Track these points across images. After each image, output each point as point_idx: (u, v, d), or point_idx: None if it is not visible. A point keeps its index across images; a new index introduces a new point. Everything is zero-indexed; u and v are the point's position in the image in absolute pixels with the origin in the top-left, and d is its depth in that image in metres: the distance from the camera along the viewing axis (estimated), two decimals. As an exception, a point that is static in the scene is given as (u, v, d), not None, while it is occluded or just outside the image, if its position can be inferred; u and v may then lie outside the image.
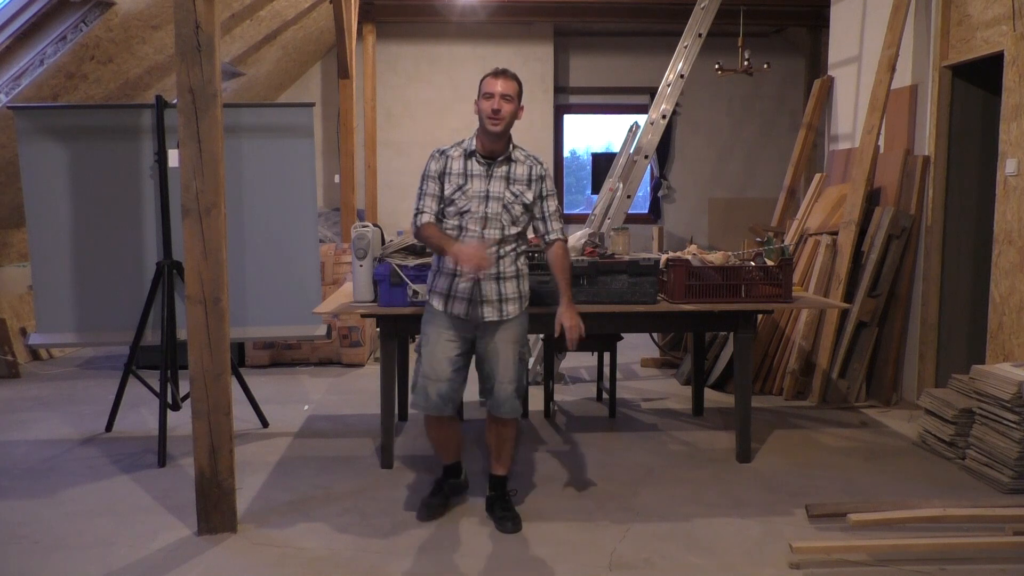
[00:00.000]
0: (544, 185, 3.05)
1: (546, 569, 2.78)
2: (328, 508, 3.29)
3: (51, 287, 4.11)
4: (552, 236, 3.08)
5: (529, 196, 3.00)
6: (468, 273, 2.88)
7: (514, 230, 2.98)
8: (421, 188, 3.04)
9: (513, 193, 2.97)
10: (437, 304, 3.03)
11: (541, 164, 3.07)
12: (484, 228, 2.94)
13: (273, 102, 8.23)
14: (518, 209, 2.98)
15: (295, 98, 8.41)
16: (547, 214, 3.07)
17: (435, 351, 3.01)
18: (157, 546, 2.95)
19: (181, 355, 3.29)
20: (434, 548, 2.93)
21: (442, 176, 2.99)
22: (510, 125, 2.96)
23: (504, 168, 2.99)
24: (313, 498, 3.40)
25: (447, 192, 2.97)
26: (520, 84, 3.00)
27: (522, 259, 3.08)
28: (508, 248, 2.99)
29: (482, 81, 2.98)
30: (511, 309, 3.01)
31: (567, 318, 3.00)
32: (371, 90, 8.18)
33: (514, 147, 3.04)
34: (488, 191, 2.96)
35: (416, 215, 3.02)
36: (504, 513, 3.11)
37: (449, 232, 2.97)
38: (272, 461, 3.86)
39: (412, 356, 3.29)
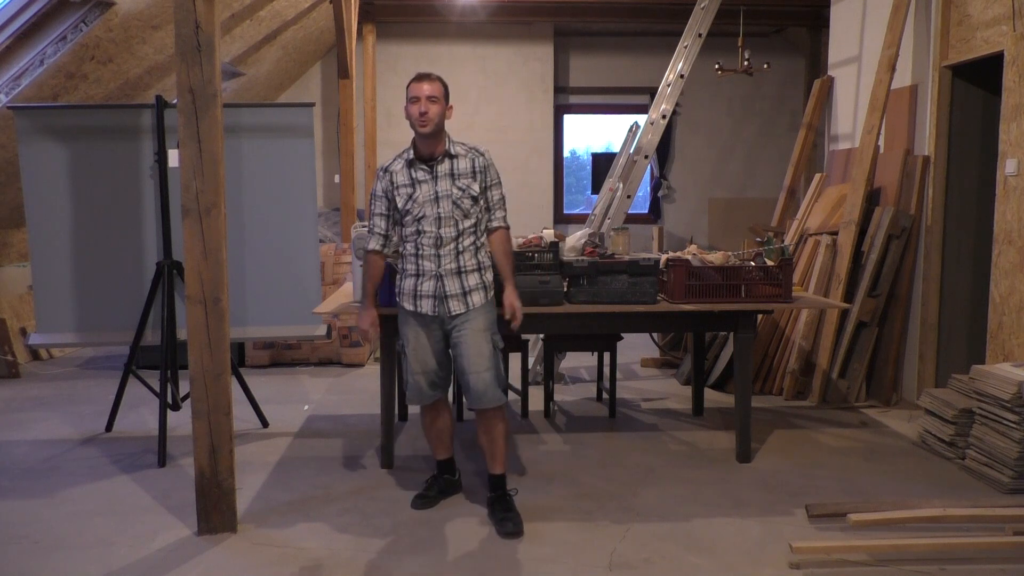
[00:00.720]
0: (488, 175, 3.11)
1: (546, 569, 2.78)
2: (328, 508, 3.29)
3: (51, 287, 4.11)
4: (494, 224, 3.16)
5: (476, 188, 3.07)
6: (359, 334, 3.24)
7: (468, 223, 3.06)
8: (370, 207, 3.19)
9: (460, 188, 3.05)
10: (407, 304, 3.12)
11: (483, 155, 3.13)
12: (440, 228, 3.03)
13: (273, 102, 8.23)
14: (467, 203, 3.05)
15: (295, 98, 8.42)
16: (491, 203, 3.15)
17: (417, 347, 3.14)
18: (157, 546, 2.95)
19: (181, 355, 3.29)
20: (434, 548, 2.93)
21: (389, 193, 3.11)
22: (440, 125, 3.03)
23: (446, 165, 3.07)
24: (313, 498, 3.40)
25: (400, 205, 3.08)
26: (445, 85, 3.09)
27: (483, 252, 3.13)
28: (467, 243, 3.06)
29: (408, 87, 3.06)
30: (476, 299, 3.08)
31: (515, 299, 3.16)
32: (371, 90, 8.18)
33: (452, 143, 3.10)
34: (437, 192, 3.04)
35: (368, 237, 3.20)
36: (505, 515, 3.10)
37: (408, 240, 3.08)
38: (272, 461, 3.86)
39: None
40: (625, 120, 7.33)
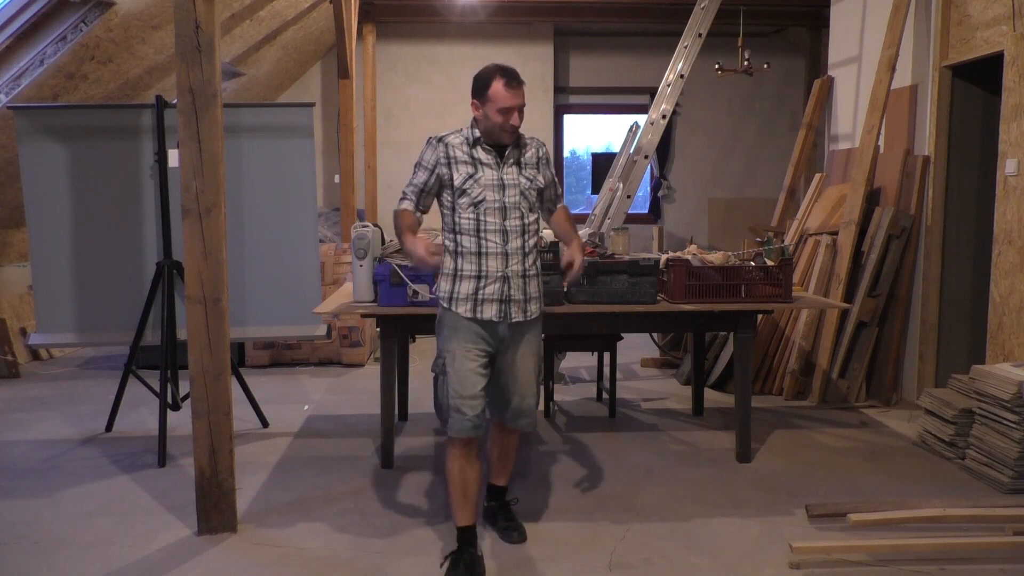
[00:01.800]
0: (550, 166, 2.93)
1: (546, 569, 2.78)
2: (328, 508, 3.29)
3: (51, 287, 4.11)
4: (559, 204, 3.00)
5: (541, 180, 2.83)
6: (422, 267, 2.79)
7: (531, 217, 2.78)
8: (413, 175, 2.83)
9: (527, 178, 2.77)
10: (464, 311, 2.71)
11: (543, 144, 2.91)
12: (504, 219, 2.71)
13: (273, 102, 8.23)
14: (534, 195, 2.79)
15: (295, 98, 8.42)
16: (556, 189, 2.98)
17: (464, 367, 2.70)
18: (157, 546, 2.95)
19: (181, 355, 3.29)
20: (434, 548, 2.93)
21: (439, 167, 2.75)
22: None
23: (515, 153, 2.78)
24: (313, 498, 3.40)
25: (457, 182, 2.71)
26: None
27: (536, 256, 2.87)
28: (531, 242, 2.79)
29: (489, 87, 2.68)
30: (534, 308, 2.81)
31: (577, 255, 2.83)
32: (371, 90, 8.18)
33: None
34: (503, 179, 2.73)
35: (400, 199, 2.83)
36: (508, 523, 3.04)
37: (465, 225, 2.71)
38: (272, 461, 3.86)
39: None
40: (625, 120, 7.33)
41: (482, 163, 2.74)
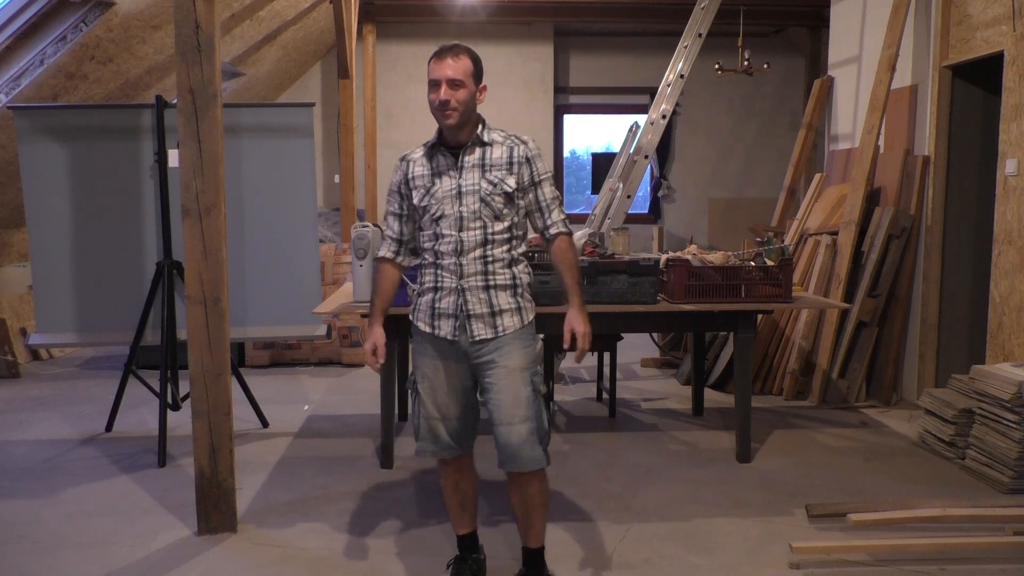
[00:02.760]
0: (533, 169, 2.49)
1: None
2: (328, 508, 3.29)
3: (51, 287, 4.11)
4: (553, 231, 2.52)
5: (511, 183, 2.44)
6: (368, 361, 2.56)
7: (499, 226, 2.43)
8: (388, 203, 2.62)
9: (490, 181, 2.43)
10: (423, 325, 2.50)
11: (526, 143, 2.50)
12: (461, 230, 2.41)
13: (273, 102, 8.23)
14: (499, 201, 2.42)
15: (295, 98, 8.42)
16: (543, 203, 2.52)
17: (434, 385, 2.50)
18: (157, 546, 2.95)
19: (181, 355, 3.29)
20: (434, 548, 2.93)
21: (404, 186, 2.54)
22: (469, 114, 2.45)
23: (476, 154, 2.46)
24: (313, 498, 3.40)
25: (416, 201, 2.49)
26: (475, 61, 2.47)
27: (520, 266, 2.50)
28: (497, 251, 2.44)
29: (428, 66, 2.44)
30: (507, 323, 2.44)
31: (577, 323, 2.49)
32: (371, 90, 8.18)
33: (488, 129, 2.51)
34: (460, 186, 2.43)
35: (382, 241, 2.66)
36: None
37: (426, 246, 2.50)
38: (272, 461, 3.86)
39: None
40: (625, 120, 7.33)
41: (439, 172, 2.48)
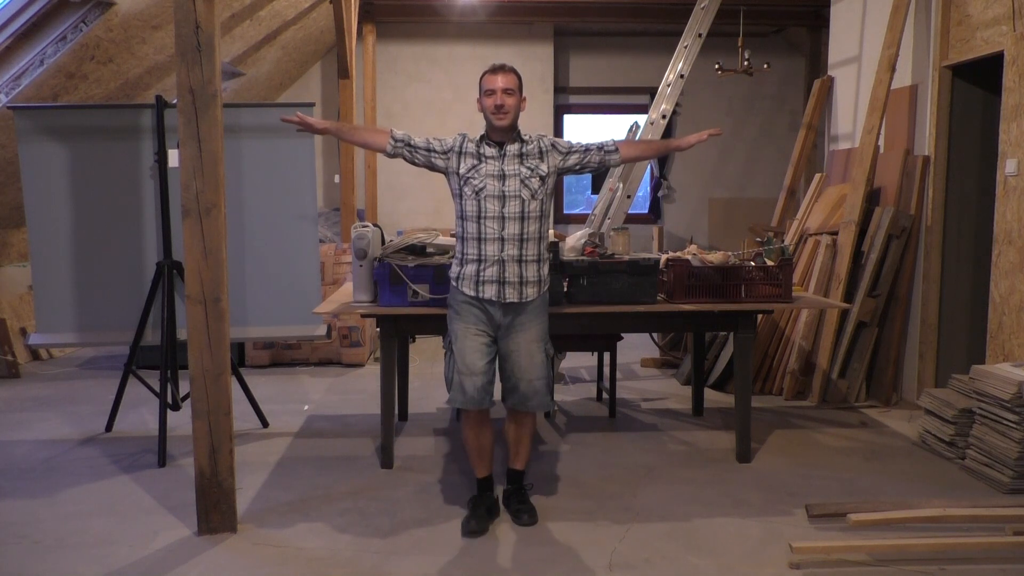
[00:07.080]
0: (559, 145, 3.12)
1: (546, 569, 2.78)
2: (328, 508, 3.29)
3: (51, 287, 4.11)
4: (609, 146, 3.16)
5: (544, 168, 3.05)
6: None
7: (534, 205, 3.01)
8: (425, 138, 3.16)
9: (528, 167, 3.03)
10: (467, 289, 3.03)
11: (544, 136, 3.15)
12: (503, 207, 2.98)
13: (273, 102, 8.23)
14: (535, 182, 3.02)
15: (295, 98, 8.42)
16: (588, 146, 3.15)
17: (465, 345, 3.02)
18: (157, 546, 2.95)
19: (181, 355, 3.29)
20: (434, 548, 2.93)
21: (451, 153, 3.07)
22: (516, 117, 3.03)
23: (516, 147, 3.06)
24: (313, 498, 3.40)
25: (462, 170, 3.03)
26: (519, 76, 3.07)
27: (544, 244, 3.08)
28: (531, 229, 3.01)
29: (482, 78, 3.05)
30: (530, 292, 3.03)
31: (690, 137, 3.24)
32: (371, 90, 8.18)
33: (520, 131, 3.12)
34: (503, 169, 3.01)
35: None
36: (520, 506, 3.17)
37: (469, 212, 3.01)
38: (272, 461, 3.86)
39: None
40: (625, 120, 7.34)
41: (486, 156, 3.04)
